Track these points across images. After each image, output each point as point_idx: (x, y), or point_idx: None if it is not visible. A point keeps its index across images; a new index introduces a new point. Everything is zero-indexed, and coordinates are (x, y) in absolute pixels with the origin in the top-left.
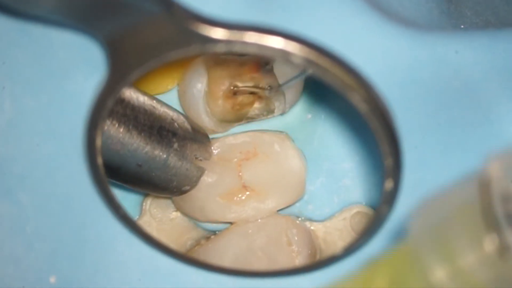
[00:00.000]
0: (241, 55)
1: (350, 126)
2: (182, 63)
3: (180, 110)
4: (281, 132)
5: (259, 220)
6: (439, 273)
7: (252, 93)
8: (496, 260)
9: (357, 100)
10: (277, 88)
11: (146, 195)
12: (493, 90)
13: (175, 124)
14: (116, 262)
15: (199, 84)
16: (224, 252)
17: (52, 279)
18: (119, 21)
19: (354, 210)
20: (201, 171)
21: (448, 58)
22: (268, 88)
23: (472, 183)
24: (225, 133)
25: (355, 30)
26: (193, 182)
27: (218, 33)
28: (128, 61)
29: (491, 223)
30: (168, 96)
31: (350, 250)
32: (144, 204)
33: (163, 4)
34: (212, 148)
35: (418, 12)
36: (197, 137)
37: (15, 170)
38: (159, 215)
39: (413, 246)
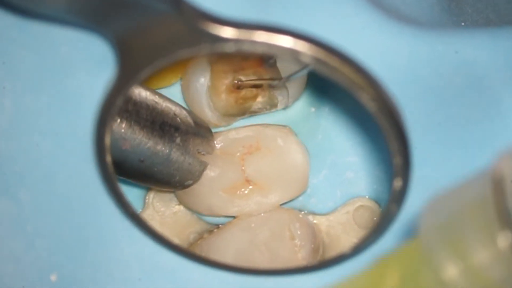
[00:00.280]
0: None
1: (353, 119)
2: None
3: (183, 104)
4: (284, 126)
5: (262, 214)
6: (451, 271)
7: (255, 87)
8: (509, 257)
9: (365, 99)
10: (281, 82)
11: (149, 189)
12: (495, 87)
13: (178, 119)
14: (118, 259)
15: (202, 78)
16: (227, 246)
17: (53, 277)
18: (129, 20)
19: (357, 204)
20: (203, 166)
21: (448, 56)
22: (272, 82)
23: (483, 180)
24: (228, 127)
25: (355, 28)
26: (196, 177)
27: (227, 32)
28: (137, 60)
29: (505, 220)
30: (171, 90)
31: (358, 249)
32: (147, 197)
33: (172, 3)
34: (215, 142)
35: (420, 9)
36: (199, 131)
37: (15, 169)
38: (162, 209)
39: (424, 244)
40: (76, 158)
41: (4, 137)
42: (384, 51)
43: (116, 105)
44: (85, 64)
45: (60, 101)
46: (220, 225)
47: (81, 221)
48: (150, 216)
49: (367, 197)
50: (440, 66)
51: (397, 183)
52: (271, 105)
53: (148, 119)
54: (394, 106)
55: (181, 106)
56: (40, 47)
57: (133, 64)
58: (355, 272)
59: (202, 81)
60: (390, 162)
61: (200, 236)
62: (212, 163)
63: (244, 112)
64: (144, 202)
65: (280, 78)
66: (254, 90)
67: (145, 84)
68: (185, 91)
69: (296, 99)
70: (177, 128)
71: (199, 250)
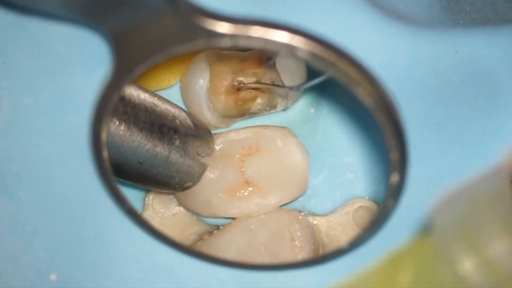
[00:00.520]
0: (243, 50)
1: (352, 120)
2: (184, 59)
3: (183, 105)
4: (283, 127)
5: (262, 216)
6: (467, 264)
7: (254, 88)
8: None
9: (362, 94)
10: (297, 88)
11: (148, 190)
12: (493, 85)
13: (177, 121)
14: (118, 259)
15: (201, 80)
16: (227, 247)
17: (53, 277)
18: (124, 15)
19: (357, 204)
20: (203, 167)
21: (447, 54)
22: (276, 88)
23: (499, 174)
24: (228, 129)
25: (353, 27)
26: (196, 178)
27: (223, 27)
28: (133, 56)
29: None
30: (170, 91)
31: (355, 244)
32: (146, 199)
33: None
34: (215, 144)
35: (419, 7)
36: (199, 133)
37: (14, 169)
38: (161, 210)
39: (439, 239)
40: (75, 158)
41: (2, 137)
42: (383, 50)
43: (112, 100)
44: (83, 63)
45: (58, 100)
46: (220, 227)
47: (81, 221)
48: (149, 217)
49: (366, 197)
50: (439, 64)
51: (394, 178)
52: (271, 107)
53: (147, 121)
54: (391, 100)
55: (180, 108)
56: (38, 47)
57: (129, 60)
58: (355, 267)
59: (201, 82)
60: (389, 159)
61: (200, 238)
62: (212, 164)
63: (243, 113)
64: (144, 204)
65: (285, 87)
66: (253, 91)
67: (144, 85)
68: (184, 93)
69: (295, 100)
70: (176, 130)
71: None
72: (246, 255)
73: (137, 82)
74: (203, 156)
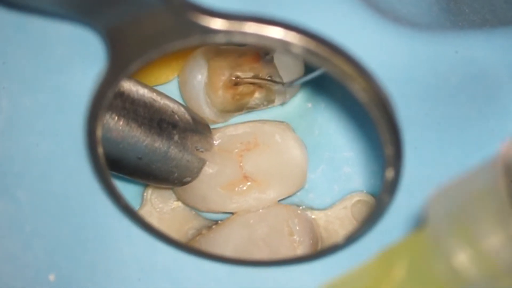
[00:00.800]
0: (241, 45)
1: (350, 114)
2: (182, 54)
3: (181, 101)
4: (282, 122)
5: (261, 210)
6: (461, 257)
7: (252, 83)
8: None
9: (357, 89)
10: (290, 85)
11: (147, 185)
12: (492, 86)
13: (176, 116)
14: (117, 259)
15: (199, 75)
16: (226, 242)
17: (52, 277)
18: (119, 12)
19: (355, 199)
20: (202, 162)
21: (446, 55)
22: (273, 85)
23: (493, 166)
24: (226, 123)
25: (351, 28)
26: (194, 174)
27: (217, 24)
28: (128, 52)
29: None
30: (168, 86)
31: (351, 239)
32: (145, 194)
33: None
34: (213, 139)
35: (418, 8)
36: (198, 128)
37: (13, 169)
38: (160, 205)
39: (433, 231)
40: (75, 157)
41: (1, 137)
42: (382, 51)
43: (107, 97)
44: (82, 63)
45: (58, 100)
46: (219, 222)
47: (80, 221)
48: (148, 213)
49: (364, 191)
50: (438, 66)
51: (389, 173)
52: (268, 101)
53: (146, 117)
54: (385, 96)
55: (179, 103)
56: (37, 47)
57: (124, 56)
58: (352, 262)
59: (199, 77)
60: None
61: (199, 233)
62: (211, 160)
63: (241, 108)
64: (142, 199)
65: (282, 82)
66: (251, 86)
67: (143, 81)
68: (182, 88)
69: (293, 95)
70: (175, 126)
71: (197, 247)
72: (245, 250)
73: (136, 78)
74: (202, 151)
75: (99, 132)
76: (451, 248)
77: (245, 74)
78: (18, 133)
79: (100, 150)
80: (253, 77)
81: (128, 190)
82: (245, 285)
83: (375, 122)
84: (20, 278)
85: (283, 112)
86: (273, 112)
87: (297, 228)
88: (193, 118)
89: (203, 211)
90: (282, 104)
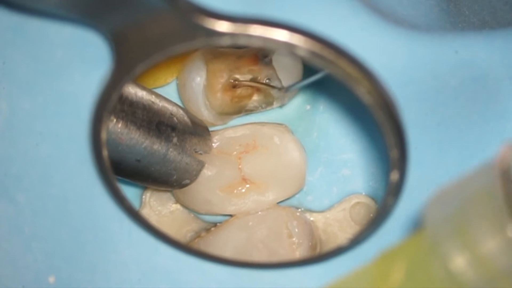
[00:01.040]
0: (239, 47)
1: (348, 116)
2: (181, 57)
3: (180, 103)
4: (280, 124)
5: (260, 213)
6: (459, 261)
7: (250, 85)
8: None
9: (362, 92)
10: (291, 87)
11: (145, 188)
12: (492, 88)
13: (174, 118)
14: (117, 260)
15: (198, 78)
16: (225, 244)
17: (51, 279)
18: (124, 15)
19: (354, 201)
20: (201, 165)
21: (445, 57)
22: (282, 88)
23: (490, 170)
24: (225, 126)
25: (352, 30)
26: (193, 176)
27: (222, 26)
28: (133, 55)
29: None
30: (167, 89)
31: (355, 241)
32: (144, 196)
33: None
34: (212, 141)
35: (418, 10)
36: (197, 130)
37: (13, 171)
38: (159, 208)
39: (431, 235)
40: (74, 160)
41: (1, 139)
42: (382, 53)
43: (112, 99)
44: (82, 65)
45: (57, 102)
46: (218, 224)
47: (79, 222)
48: (147, 215)
49: (363, 193)
50: (438, 67)
51: (394, 175)
52: (267, 103)
53: (145, 119)
54: (390, 98)
55: (178, 106)
56: (37, 49)
57: (129, 59)
58: (353, 265)
59: (198, 80)
60: (386, 158)
61: (198, 235)
62: (209, 162)
63: (240, 110)
64: (141, 201)
65: (281, 87)
66: (249, 88)
67: (141, 83)
68: (181, 90)
69: (292, 97)
70: (174, 128)
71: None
72: (243, 252)
73: (135, 80)
74: (200, 154)
75: (103, 135)
76: (448, 251)
77: (243, 76)
78: (17, 135)
79: (105, 152)
80: (252, 80)
81: (126, 192)
82: (246, 287)
83: (379, 125)
84: (20, 280)
85: (281, 114)
86: (272, 114)
87: (296, 230)
88: (192, 121)
89: (202, 214)
90: (281, 106)
